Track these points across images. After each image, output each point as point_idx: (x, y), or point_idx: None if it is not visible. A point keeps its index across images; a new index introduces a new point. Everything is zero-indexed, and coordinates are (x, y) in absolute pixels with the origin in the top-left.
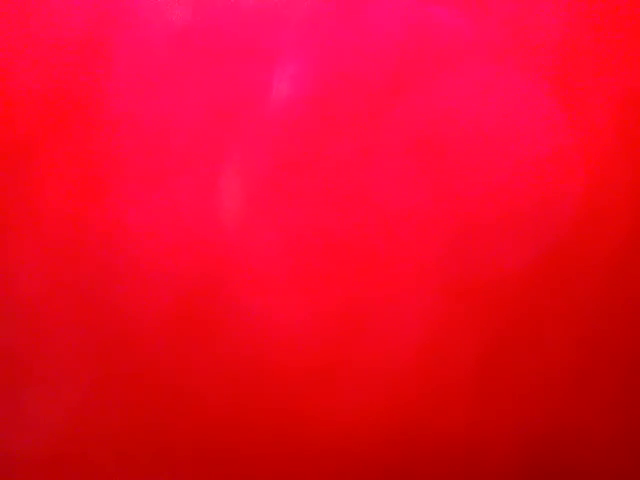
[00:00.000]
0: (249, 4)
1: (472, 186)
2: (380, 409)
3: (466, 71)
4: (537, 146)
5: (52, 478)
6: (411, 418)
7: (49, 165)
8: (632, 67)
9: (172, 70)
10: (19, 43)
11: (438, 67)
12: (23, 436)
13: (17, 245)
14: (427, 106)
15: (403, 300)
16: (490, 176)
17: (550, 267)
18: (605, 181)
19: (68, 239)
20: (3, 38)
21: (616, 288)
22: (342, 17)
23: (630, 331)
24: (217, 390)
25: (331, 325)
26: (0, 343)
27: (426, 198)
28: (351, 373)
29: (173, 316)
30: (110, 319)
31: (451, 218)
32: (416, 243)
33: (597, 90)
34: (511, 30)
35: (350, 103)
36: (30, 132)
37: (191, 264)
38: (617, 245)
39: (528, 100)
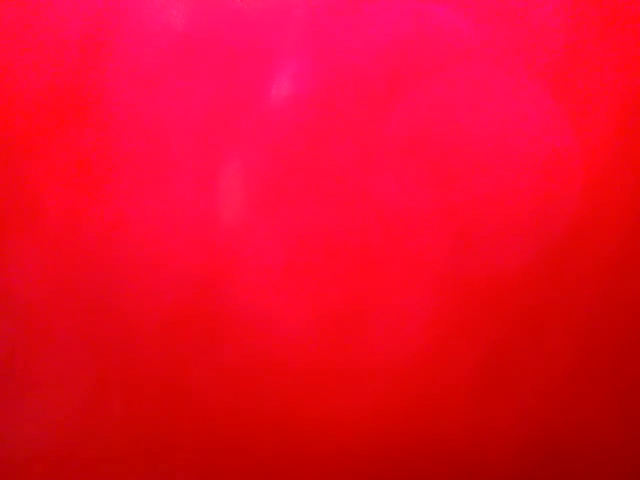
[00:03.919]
0: (249, 4)
1: (472, 186)
2: (381, 409)
3: (466, 72)
4: (537, 146)
5: (52, 478)
6: (412, 418)
7: (49, 165)
8: (632, 67)
9: (172, 70)
10: (19, 43)
11: (439, 67)
12: (23, 436)
13: (17, 245)
14: (428, 106)
15: (404, 301)
16: (490, 176)
17: (550, 267)
18: (605, 181)
19: (68, 239)
20: (3, 38)
21: (616, 288)
22: (342, 17)
23: (630, 331)
24: (218, 391)
25: (332, 326)
26: (0, 343)
27: (426, 198)
28: (352, 374)
29: (173, 316)
30: (110, 319)
31: (451, 219)
32: (416, 244)
33: (597, 91)
34: (512, 31)
35: (351, 103)
36: (30, 132)
37: (191, 264)
38: (617, 245)
39: (529, 101)
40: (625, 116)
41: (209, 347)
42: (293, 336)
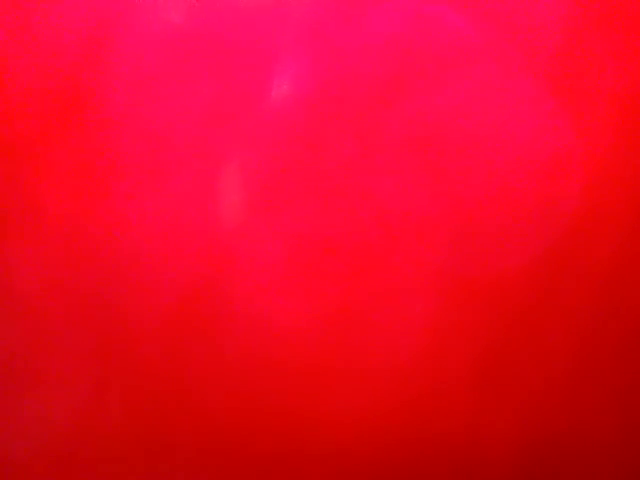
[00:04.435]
0: (249, 4)
1: (472, 186)
2: (380, 409)
3: (466, 72)
4: (537, 146)
5: (52, 478)
6: (411, 417)
7: (49, 165)
8: (632, 67)
9: (172, 70)
10: (19, 43)
11: (439, 67)
12: (23, 436)
13: (17, 245)
14: (428, 106)
15: (403, 300)
16: (490, 176)
17: (550, 267)
18: (605, 181)
19: (68, 239)
20: (3, 38)
21: (616, 288)
22: (342, 17)
23: (630, 331)
24: (218, 391)
25: (332, 326)
26: (0, 343)
27: (426, 198)
28: (352, 373)
29: (174, 316)
30: (110, 319)
31: (451, 219)
32: (416, 244)
33: (597, 90)
34: (512, 30)
35: (350, 104)
36: (30, 132)
37: (192, 264)
38: (617, 245)
39: (529, 100)
40: (625, 116)
41: (209, 347)
42: (293, 336)
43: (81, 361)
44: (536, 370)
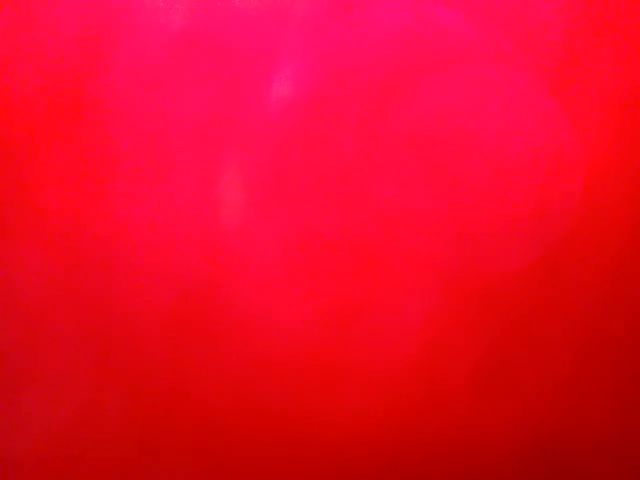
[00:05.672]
0: (249, 5)
1: (472, 187)
2: (381, 409)
3: (466, 72)
4: (537, 146)
5: (52, 478)
6: (412, 417)
7: (49, 165)
8: (632, 67)
9: (171, 71)
10: (19, 44)
11: (438, 67)
12: (23, 436)
13: (17, 245)
14: (427, 106)
15: (404, 301)
16: (490, 176)
17: (551, 267)
18: (605, 181)
19: (68, 239)
20: (3, 39)
21: (616, 288)
22: (342, 18)
23: (630, 331)
24: (217, 391)
25: (332, 326)
26: (0, 343)
27: (426, 199)
28: (352, 374)
29: (173, 316)
30: (110, 319)
31: (451, 219)
32: (416, 244)
33: (597, 90)
34: (511, 30)
35: (350, 104)
36: (30, 132)
37: (191, 265)
38: (617, 245)
39: (528, 100)
40: (625, 116)
41: (209, 346)
42: (293, 336)
43: (82, 361)
44: (536, 370)
